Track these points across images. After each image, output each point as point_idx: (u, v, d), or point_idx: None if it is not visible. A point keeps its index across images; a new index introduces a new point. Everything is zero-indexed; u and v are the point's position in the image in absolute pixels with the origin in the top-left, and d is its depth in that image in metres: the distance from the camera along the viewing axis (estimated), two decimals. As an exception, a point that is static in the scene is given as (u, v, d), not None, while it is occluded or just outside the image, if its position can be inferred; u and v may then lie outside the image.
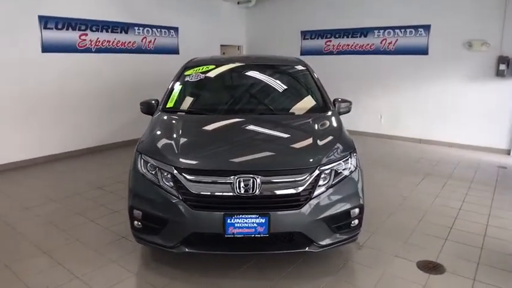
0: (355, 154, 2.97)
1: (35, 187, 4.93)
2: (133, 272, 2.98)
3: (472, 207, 4.24)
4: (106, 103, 6.95)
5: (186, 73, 4.10)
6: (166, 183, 2.71)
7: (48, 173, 5.59)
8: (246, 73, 4.17)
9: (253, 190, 2.59)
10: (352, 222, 2.88)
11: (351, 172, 2.87)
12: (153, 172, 2.80)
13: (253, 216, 2.59)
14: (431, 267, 3.02)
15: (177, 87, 3.92)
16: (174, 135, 3.02)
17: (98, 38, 6.65)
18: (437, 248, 3.33)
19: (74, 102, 6.47)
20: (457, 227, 3.75)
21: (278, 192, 2.63)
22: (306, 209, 2.63)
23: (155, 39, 7.65)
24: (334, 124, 3.35)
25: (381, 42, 7.67)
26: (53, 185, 5.03)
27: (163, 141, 3.00)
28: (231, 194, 2.60)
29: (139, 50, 7.39)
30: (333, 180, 2.76)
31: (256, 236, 2.62)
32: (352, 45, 8.07)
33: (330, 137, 3.07)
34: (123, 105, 7.14)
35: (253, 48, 9.82)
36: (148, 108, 3.77)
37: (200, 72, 4.08)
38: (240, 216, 2.59)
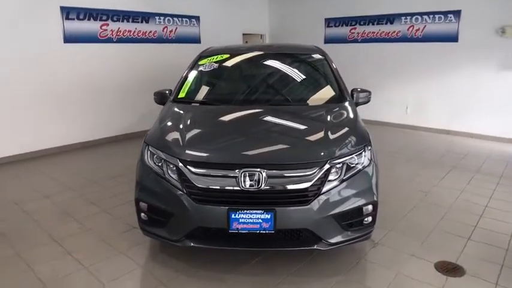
0: (369, 147, 2.81)
1: (58, 175, 5.04)
2: (140, 264, 2.97)
3: (499, 205, 3.97)
4: (128, 93, 7.01)
5: (200, 62, 4.03)
6: (172, 176, 2.66)
7: (70, 162, 5.71)
8: (261, 62, 4.06)
9: (258, 184, 2.50)
10: (365, 219, 2.74)
11: (365, 166, 2.72)
12: (159, 164, 2.75)
13: (259, 211, 2.50)
14: (450, 269, 2.83)
15: (190, 77, 3.85)
16: (181, 127, 2.96)
17: (119, 28, 6.69)
18: (458, 248, 3.13)
19: (96, 92, 6.56)
20: (482, 225, 3.52)
21: (285, 187, 2.52)
22: (315, 205, 2.52)
23: (176, 28, 7.62)
24: (350, 115, 3.19)
25: (408, 29, 7.30)
26: (74, 173, 5.13)
27: (170, 132, 2.95)
28: (236, 188, 2.52)
29: (160, 40, 7.37)
30: (345, 175, 2.62)
31: (262, 232, 2.53)
32: (378, 32, 7.74)
33: (344, 129, 2.92)
34: (145, 95, 7.14)
35: (276, 37, 9.63)
36: (161, 98, 3.74)
37: (214, 62, 4.00)
38: (245, 211, 2.50)
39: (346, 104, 3.39)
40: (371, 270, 2.86)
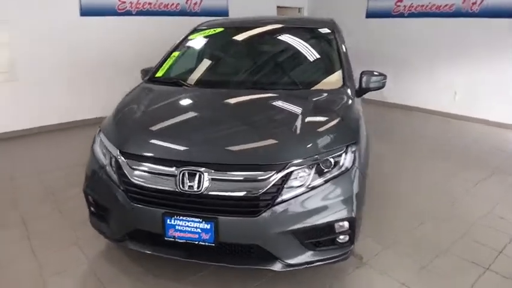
0: (353, 148, 2.21)
1: (59, 151, 4.98)
2: (89, 258, 2.70)
3: (543, 225, 3.15)
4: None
5: (191, 37, 3.60)
6: (112, 169, 2.31)
7: (77, 138, 5.61)
8: (256, 39, 3.51)
9: (198, 187, 2.05)
10: (339, 238, 2.20)
11: (342, 172, 2.14)
12: (104, 153, 2.41)
13: (196, 220, 2.06)
14: (448, 310, 2.22)
15: (175, 53, 3.44)
16: (135, 113, 2.58)
17: (138, 1, 6.39)
18: (469, 280, 2.47)
19: (113, 67, 6.39)
20: (510, 252, 2.78)
21: (231, 193, 2.05)
22: (267, 217, 2.02)
23: (201, 0, 7.18)
24: (339, 105, 2.59)
25: (463, 2, 6.18)
26: (73, 150, 5.01)
27: (121, 118, 2.58)
28: (174, 189, 2.10)
29: (183, 13, 6.99)
30: (312, 182, 2.08)
31: (201, 243, 2.10)
32: (427, 6, 6.67)
33: (322, 124, 2.34)
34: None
35: (315, 10, 8.81)
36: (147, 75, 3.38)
37: (204, 37, 3.54)
38: (181, 218, 2.08)
39: (342, 90, 2.77)
40: (343, 300, 2.33)
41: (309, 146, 2.14)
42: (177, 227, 2.10)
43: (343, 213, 2.12)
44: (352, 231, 2.19)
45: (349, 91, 2.80)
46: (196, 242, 2.10)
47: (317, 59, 3.24)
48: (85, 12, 5.87)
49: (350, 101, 2.64)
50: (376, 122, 6.58)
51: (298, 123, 2.29)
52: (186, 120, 2.50)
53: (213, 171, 2.06)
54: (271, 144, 2.18)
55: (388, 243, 2.88)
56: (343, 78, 2.91)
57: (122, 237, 2.36)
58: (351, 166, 2.17)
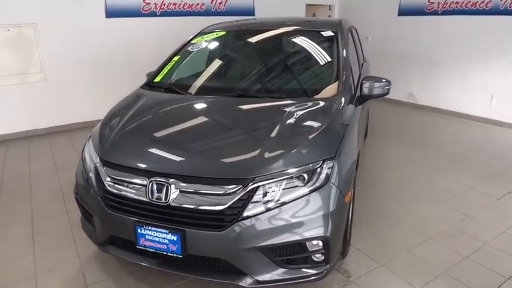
0: (330, 163, 2.10)
1: (79, 150, 5.18)
2: (82, 259, 2.80)
3: None
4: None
5: (194, 41, 3.61)
6: (93, 175, 2.37)
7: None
8: (251, 44, 3.45)
9: (166, 198, 2.05)
10: (314, 256, 2.11)
11: (316, 189, 2.05)
12: (90, 159, 2.48)
13: (164, 231, 2.06)
14: None
15: (176, 57, 3.46)
16: (120, 120, 2.62)
17: (163, 1, 6.52)
18: (463, 309, 2.28)
19: (137, 68, 6.54)
20: (518, 279, 2.53)
21: (196, 206, 2.02)
22: (232, 232, 1.97)
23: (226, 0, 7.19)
24: (323, 116, 2.46)
25: (502, -2, 5.69)
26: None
27: (109, 124, 2.63)
28: (144, 199, 2.11)
29: (208, 12, 7.04)
30: (281, 198, 2.00)
31: (169, 254, 2.10)
32: (463, 2, 6.21)
33: (297, 137, 2.24)
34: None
35: (347, 8, 8.52)
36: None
37: (205, 41, 3.53)
38: (150, 228, 2.09)
39: (332, 99, 2.63)
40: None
41: (279, 160, 2.05)
42: (147, 237, 2.12)
43: (316, 232, 2.03)
44: (326, 251, 2.09)
45: (342, 100, 2.66)
46: (165, 253, 2.10)
47: (312, 64, 3.12)
48: (110, 13, 6.09)
49: (338, 112, 2.51)
50: (399, 125, 6.30)
51: (272, 136, 2.21)
52: (162, 130, 2.49)
53: (180, 183, 2.05)
54: (238, 158, 2.12)
55: (384, 260, 2.73)
56: (338, 86, 2.77)
57: (103, 242, 2.42)
58: (326, 182, 2.07)
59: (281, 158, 2.07)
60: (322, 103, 2.59)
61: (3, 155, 5.01)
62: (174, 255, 2.08)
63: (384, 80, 3.01)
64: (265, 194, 2.00)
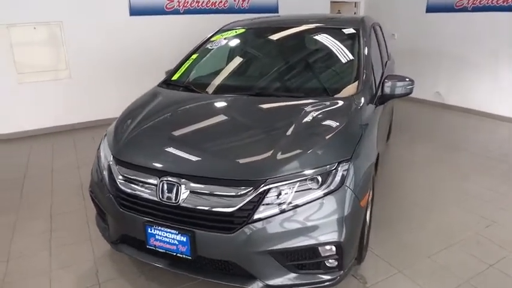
0: (346, 166, 2.01)
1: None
2: (97, 256, 2.81)
3: None
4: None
5: (213, 38, 3.57)
6: (106, 173, 2.37)
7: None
8: (273, 41, 3.37)
9: (176, 198, 2.01)
10: (327, 262, 2.03)
11: (330, 192, 1.96)
12: (105, 157, 2.48)
13: (174, 231, 2.03)
14: None
15: (194, 55, 3.43)
16: (135, 117, 2.61)
17: (186, -1, 6.54)
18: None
19: (160, 65, 6.60)
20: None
21: (205, 207, 1.98)
22: (242, 234, 1.92)
23: (250, -3, 7.13)
24: (338, 118, 2.35)
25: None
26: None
27: (121, 123, 2.63)
28: (155, 198, 2.09)
29: (231, 10, 7.00)
30: (293, 201, 1.93)
31: (179, 255, 2.07)
32: (496, -2, 5.90)
33: (312, 138, 2.16)
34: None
35: (373, 5, 8.28)
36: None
37: (223, 38, 3.48)
38: (160, 228, 2.07)
39: (352, 99, 2.53)
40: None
41: (292, 161, 1.98)
42: (157, 237, 2.09)
43: (329, 237, 1.95)
44: (340, 257, 2.00)
45: (362, 100, 2.55)
46: (175, 254, 2.07)
47: (332, 63, 3.02)
48: (134, 11, 6.14)
49: (356, 112, 2.40)
50: (425, 125, 6.05)
51: (286, 136, 2.13)
52: (174, 129, 2.45)
53: (191, 183, 2.01)
54: (250, 159, 2.06)
55: (403, 266, 2.60)
56: (358, 85, 2.66)
57: (116, 241, 2.42)
58: (339, 186, 1.97)
59: (294, 159, 2.00)
60: (340, 102, 2.49)
61: (28, 150, 5.15)
62: (184, 256, 2.05)
63: (407, 79, 2.88)
64: (277, 197, 1.93)
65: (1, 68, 5.36)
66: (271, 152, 2.02)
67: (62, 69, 5.80)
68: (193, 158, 2.15)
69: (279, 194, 1.93)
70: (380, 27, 4.50)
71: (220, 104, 2.71)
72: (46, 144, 5.36)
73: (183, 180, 2.02)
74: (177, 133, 2.41)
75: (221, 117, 2.52)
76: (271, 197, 1.92)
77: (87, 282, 2.54)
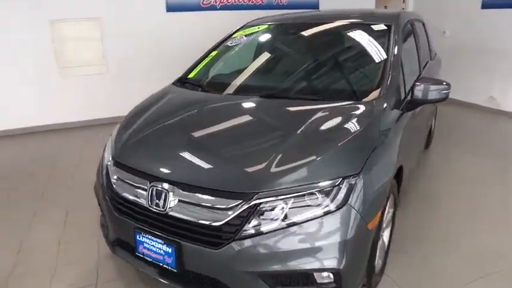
0: (352, 182, 1.77)
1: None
2: (102, 255, 2.77)
3: None
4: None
5: (235, 35, 3.42)
6: (105, 174, 2.30)
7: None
8: (293, 40, 3.19)
9: (164, 206, 1.88)
10: (321, 288, 1.80)
11: (331, 211, 1.73)
12: (106, 157, 2.42)
13: (160, 241, 1.90)
14: None
15: (213, 52, 3.30)
16: (138, 119, 2.51)
17: (223, -6, 6.44)
18: None
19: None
20: None
21: (193, 218, 1.82)
22: (229, 251, 1.74)
23: (289, -8, 6.88)
24: (350, 126, 2.08)
25: None
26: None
27: (125, 124, 2.55)
28: (144, 204, 1.97)
29: (269, 6, 6.80)
30: (287, 219, 1.72)
31: (165, 266, 1.94)
32: None
33: (316, 148, 1.91)
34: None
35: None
36: None
37: (245, 35, 3.32)
38: (149, 236, 1.95)
39: (372, 104, 2.25)
40: None
41: (289, 174, 1.76)
42: (145, 244, 1.98)
43: (326, 263, 1.72)
44: (338, 285, 1.76)
45: (384, 105, 2.26)
46: (161, 264, 1.95)
47: (355, 63, 2.74)
48: (171, 8, 6.15)
49: (375, 119, 2.12)
50: (474, 133, 5.46)
51: (286, 146, 1.92)
52: (173, 133, 2.31)
53: (180, 191, 1.86)
54: (242, 169, 1.86)
55: None
56: (381, 88, 2.36)
57: (113, 242, 2.34)
58: (344, 204, 1.73)
59: (292, 172, 1.78)
60: (357, 108, 2.22)
61: (60, 143, 5.32)
62: (169, 268, 1.92)
63: (444, 83, 2.54)
64: (269, 213, 1.73)
65: (44, 62, 5.59)
66: (266, 163, 1.81)
67: (100, 64, 5.94)
68: (185, 165, 1.99)
69: (272, 209, 1.72)
70: (423, 23, 4.10)
71: (226, 107, 2.53)
72: (78, 138, 5.50)
73: (173, 187, 1.88)
74: (174, 137, 2.27)
75: (223, 122, 2.32)
76: (262, 212, 1.73)
77: (86, 282, 2.50)
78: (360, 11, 3.45)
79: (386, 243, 2.43)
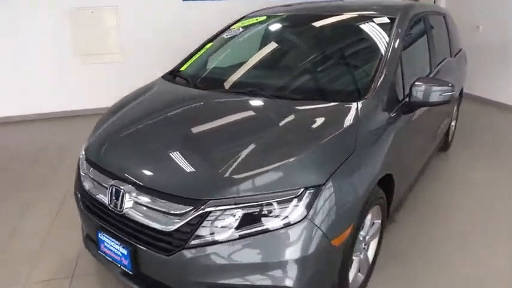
0: (313, 194, 1.61)
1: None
2: (83, 246, 2.77)
3: None
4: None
5: (233, 26, 3.28)
6: (77, 168, 2.27)
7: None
8: (283, 33, 2.99)
9: (121, 206, 1.81)
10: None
11: (288, 225, 1.58)
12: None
13: (116, 242, 1.84)
14: None
15: (208, 44, 3.18)
16: (114, 114, 2.44)
17: (241, -17, 6.26)
18: None
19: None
20: None
21: (146, 221, 1.74)
22: (179, 259, 1.65)
23: (311, -18, 6.60)
24: (322, 129, 1.92)
25: None
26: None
27: (102, 118, 2.49)
28: (105, 202, 1.91)
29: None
30: (239, 230, 1.59)
31: (123, 268, 1.88)
32: None
33: (277, 153, 1.75)
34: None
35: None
36: None
37: (242, 27, 3.17)
38: (108, 236, 1.90)
39: (351, 105, 2.04)
40: None
41: (244, 182, 1.63)
42: (105, 244, 1.93)
43: (278, 281, 1.59)
44: (293, 304, 1.62)
45: (371, 106, 2.06)
46: (119, 265, 1.89)
47: (346, 59, 2.53)
48: (187, -4, 6.07)
49: (356, 123, 1.92)
50: (500, 136, 5.00)
51: (245, 150, 1.77)
52: (142, 131, 2.19)
53: (136, 191, 1.78)
54: (196, 174, 1.75)
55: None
56: (370, 88, 2.15)
57: (85, 237, 2.32)
58: (305, 217, 1.58)
59: (248, 179, 1.64)
60: (338, 110, 2.03)
61: (71, 130, 5.42)
62: (127, 270, 1.85)
63: (450, 85, 2.29)
64: (220, 222, 1.61)
65: (61, 50, 5.70)
66: (222, 168, 1.68)
67: (116, 52, 5.98)
68: (146, 166, 1.89)
69: (224, 219, 1.60)
70: (444, 17, 3.77)
71: (203, 106, 2.38)
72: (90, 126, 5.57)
73: (129, 187, 1.80)
74: (141, 136, 2.16)
75: (196, 122, 2.17)
76: (213, 221, 1.61)
77: (62, 273, 2.51)
78: (369, 2, 3.20)
79: (370, 257, 2.26)
